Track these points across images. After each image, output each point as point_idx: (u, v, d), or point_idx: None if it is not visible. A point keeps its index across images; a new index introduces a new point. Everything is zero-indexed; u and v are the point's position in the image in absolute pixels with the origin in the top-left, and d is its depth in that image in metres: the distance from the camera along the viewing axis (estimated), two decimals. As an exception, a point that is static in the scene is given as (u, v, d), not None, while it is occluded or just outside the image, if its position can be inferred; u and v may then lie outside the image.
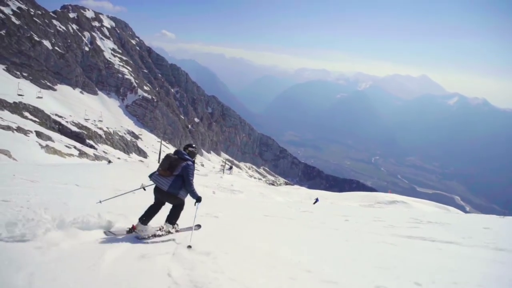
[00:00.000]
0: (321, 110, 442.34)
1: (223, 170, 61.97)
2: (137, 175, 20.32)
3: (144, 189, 5.70)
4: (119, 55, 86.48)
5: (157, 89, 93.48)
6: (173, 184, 5.00)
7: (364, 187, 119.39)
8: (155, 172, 5.16)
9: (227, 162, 73.33)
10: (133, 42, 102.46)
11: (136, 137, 68.93)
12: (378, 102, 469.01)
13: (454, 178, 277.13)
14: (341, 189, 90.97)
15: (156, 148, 70.08)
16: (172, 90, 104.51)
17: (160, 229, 5.07)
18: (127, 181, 16.34)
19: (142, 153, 62.34)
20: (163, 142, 75.38)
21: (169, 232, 5.21)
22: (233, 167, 77.84)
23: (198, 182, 28.07)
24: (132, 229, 5.07)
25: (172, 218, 5.23)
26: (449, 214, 14.07)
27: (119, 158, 44.77)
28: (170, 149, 76.68)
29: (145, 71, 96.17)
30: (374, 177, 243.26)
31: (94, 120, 58.80)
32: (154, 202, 5.26)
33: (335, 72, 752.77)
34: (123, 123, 70.60)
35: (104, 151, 46.68)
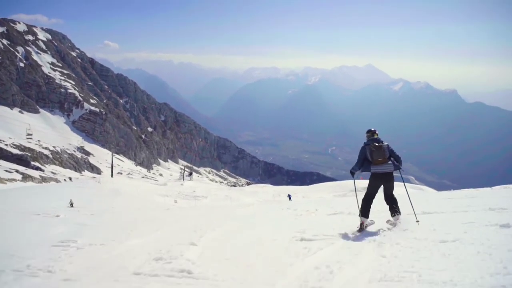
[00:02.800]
0: (274, 107, 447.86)
1: (183, 176, 60.98)
2: (79, 193, 19.33)
3: (72, 206, 6.67)
4: (59, 69, 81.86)
5: (104, 101, 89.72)
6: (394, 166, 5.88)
7: (324, 178, 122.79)
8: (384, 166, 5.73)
9: (186, 169, 72.19)
10: (74, 54, 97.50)
11: (87, 153, 65.72)
12: (328, 94, 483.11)
13: (407, 160, 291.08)
14: (302, 183, 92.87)
15: (110, 163, 67.36)
16: (121, 100, 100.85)
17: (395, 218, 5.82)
18: (56, 200, 15.61)
19: (95, 169, 59.58)
20: (116, 155, 72.59)
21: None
22: (193, 172, 76.80)
23: (158, 192, 27.38)
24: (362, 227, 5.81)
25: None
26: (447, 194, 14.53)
27: (70, 178, 42.42)
28: (125, 162, 74.06)
29: (89, 83, 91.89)
30: (332, 167, 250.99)
31: (39, 140, 55.29)
32: (372, 195, 5.94)
33: (284, 68, 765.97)
34: (71, 140, 66.87)
35: (52, 172, 44.05)
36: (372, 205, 5.99)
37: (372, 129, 6.16)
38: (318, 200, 17.84)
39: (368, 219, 5.90)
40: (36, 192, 19.52)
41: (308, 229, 6.01)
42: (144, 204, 18.07)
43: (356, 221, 6.13)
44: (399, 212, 5.78)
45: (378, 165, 5.70)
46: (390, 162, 5.77)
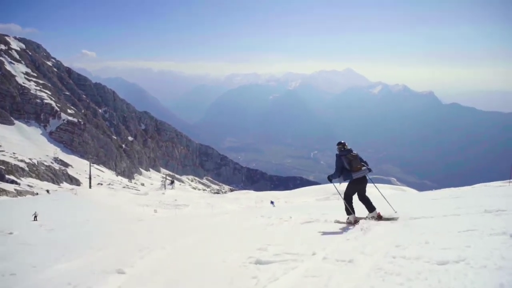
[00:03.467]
0: (256, 113, 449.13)
1: (164, 185, 60.34)
2: (53, 206, 18.78)
3: (36, 219, 6.65)
4: (34, 79, 79.89)
5: (83, 111, 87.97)
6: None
7: (308, 182, 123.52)
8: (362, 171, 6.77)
9: (167, 177, 71.37)
10: (49, 63, 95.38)
11: (66, 164, 64.13)
12: (309, 98, 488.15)
13: (388, 161, 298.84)
14: (286, 188, 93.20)
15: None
16: (100, 110, 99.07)
17: (379, 216, 6.67)
18: (21, 215, 15.14)
19: (74, 181, 58.18)
20: (96, 166, 71.23)
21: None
22: (175, 181, 75.96)
23: (138, 202, 26.95)
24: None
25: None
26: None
27: (47, 191, 41.26)
28: (105, 173, 72.64)
29: (67, 93, 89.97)
30: (315, 171, 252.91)
31: (14, 153, 53.64)
32: (351, 196, 6.96)
33: (265, 74, 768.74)
34: (48, 152, 65.17)
35: (29, 185, 42.79)
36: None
37: (342, 141, 7.15)
38: (300, 205, 17.81)
39: (355, 214, 6.89)
40: (3, 208, 18.79)
41: (272, 244, 5.40)
42: (120, 216, 17.32)
43: (332, 229, 6.29)
44: (374, 208, 6.77)
45: (357, 171, 6.69)
46: (364, 167, 6.79)
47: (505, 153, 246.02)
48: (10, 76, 73.80)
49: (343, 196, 7.13)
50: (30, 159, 54.67)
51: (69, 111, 79.16)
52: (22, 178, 45.02)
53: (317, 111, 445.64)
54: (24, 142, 63.84)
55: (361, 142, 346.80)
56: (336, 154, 6.96)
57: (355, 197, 6.98)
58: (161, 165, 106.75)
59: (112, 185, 61.57)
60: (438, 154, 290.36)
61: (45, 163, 58.02)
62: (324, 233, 6.11)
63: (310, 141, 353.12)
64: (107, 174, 72.30)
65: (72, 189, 44.70)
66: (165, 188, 56.09)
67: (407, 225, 5.50)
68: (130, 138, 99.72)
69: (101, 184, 59.57)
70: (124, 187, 62.41)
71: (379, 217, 6.63)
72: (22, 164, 49.85)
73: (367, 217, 6.77)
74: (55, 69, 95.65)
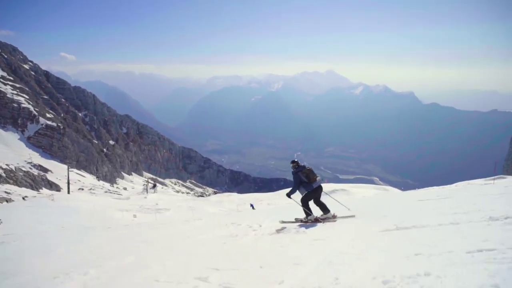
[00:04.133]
0: (238, 115, 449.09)
1: (146, 189, 59.90)
2: (28, 213, 18.45)
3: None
4: (10, 83, 77.78)
5: (62, 115, 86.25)
6: None
7: (291, 183, 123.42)
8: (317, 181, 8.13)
9: (149, 181, 70.77)
10: (26, 67, 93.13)
11: (45, 170, 62.72)
12: (292, 100, 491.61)
13: (370, 161, 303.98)
14: (270, 189, 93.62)
15: (71, 179, 64.63)
16: (80, 114, 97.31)
17: (333, 216, 8.02)
18: None
19: (54, 186, 56.94)
20: (75, 170, 70.04)
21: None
22: (157, 184, 75.37)
23: (118, 207, 26.79)
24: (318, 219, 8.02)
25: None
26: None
27: (26, 197, 40.35)
28: (86, 177, 71.41)
29: (45, 97, 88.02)
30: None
31: (-10, 159, 52.16)
32: (308, 202, 8.20)
33: (246, 76, 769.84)
34: (26, 157, 63.62)
35: (6, 191, 41.70)
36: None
37: (296, 160, 8.49)
38: (282, 207, 18.04)
39: (313, 215, 8.12)
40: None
41: (221, 269, 4.48)
42: (94, 223, 16.70)
43: (302, 243, 5.77)
44: (329, 210, 8.05)
45: (314, 182, 8.01)
46: (319, 178, 8.15)
47: (484, 152, 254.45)
48: (-15, 80, 71.75)
49: (300, 203, 8.31)
50: (7, 165, 53.20)
51: (47, 115, 77.45)
52: None
53: (299, 112, 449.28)
54: (0, 147, 62.12)
55: (343, 142, 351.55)
56: (293, 172, 8.23)
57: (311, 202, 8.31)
58: (143, 168, 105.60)
59: (93, 190, 60.60)
60: (419, 154, 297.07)
61: (23, 169, 56.59)
62: (290, 250, 5.20)
63: (293, 143, 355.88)
64: (89, 179, 71.05)
65: (52, 195, 43.85)
66: (147, 192, 55.73)
67: (392, 234, 4.68)
68: (111, 142, 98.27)
69: (83, 189, 58.56)
70: (106, 192, 61.53)
71: (334, 217, 8.00)
72: (-1, 170, 48.51)
73: (321, 216, 8.08)
74: (32, 73, 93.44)
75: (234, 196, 39.94)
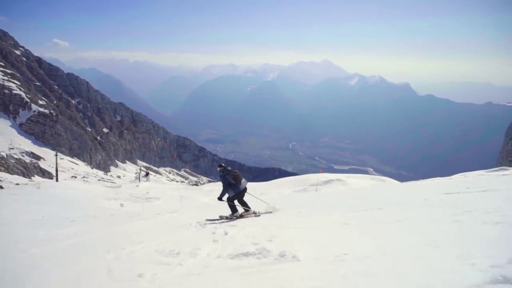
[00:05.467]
0: (234, 104, 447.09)
1: (139, 178, 59.66)
2: (10, 202, 17.94)
3: None
4: (1, 68, 76.39)
5: (55, 102, 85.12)
6: None
7: (286, 173, 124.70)
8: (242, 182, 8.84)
9: (142, 169, 70.47)
10: (18, 52, 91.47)
11: (37, 157, 62.14)
12: (287, 90, 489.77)
13: (365, 152, 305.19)
14: (265, 179, 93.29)
15: (63, 167, 64.15)
16: (73, 101, 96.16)
17: (254, 212, 8.79)
18: None
19: (46, 174, 56.50)
20: (70, 158, 69.55)
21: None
22: (149, 172, 75.08)
23: (106, 196, 26.45)
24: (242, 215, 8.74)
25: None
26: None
27: (17, 184, 39.97)
28: (80, 165, 70.94)
29: (37, 83, 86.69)
30: (294, 162, 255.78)
31: (-19, 145, 51.53)
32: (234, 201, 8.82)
33: (242, 65, 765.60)
34: (18, 145, 62.91)
35: (-3, 179, 41.26)
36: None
37: (222, 164, 9.00)
38: (272, 199, 17.63)
39: (238, 211, 8.81)
40: None
41: None
42: (79, 213, 15.57)
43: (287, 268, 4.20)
44: (249, 207, 8.83)
45: (241, 183, 8.71)
46: (243, 180, 8.85)
47: (479, 144, 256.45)
48: (-25, 65, 70.40)
49: (227, 202, 8.87)
50: (-2, 152, 52.66)
51: (40, 102, 76.42)
52: (-9, 172, 43.37)
53: (294, 102, 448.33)
54: (-8, 134, 61.35)
55: (338, 133, 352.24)
56: (221, 175, 8.79)
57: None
58: (137, 157, 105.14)
59: (87, 178, 60.24)
60: (414, 145, 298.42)
61: (15, 156, 56.05)
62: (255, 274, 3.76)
63: (288, 133, 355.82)
64: (82, 167, 70.58)
65: (37, 182, 43.42)
66: (139, 181, 55.50)
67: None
68: (105, 130, 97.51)
69: (76, 177, 58.19)
70: (99, 180, 61.21)
71: (254, 213, 8.74)
72: (-10, 157, 47.98)
73: (242, 213, 8.75)
74: (24, 59, 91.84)
75: None
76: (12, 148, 56.63)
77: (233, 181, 8.63)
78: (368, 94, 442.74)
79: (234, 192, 8.66)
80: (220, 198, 8.76)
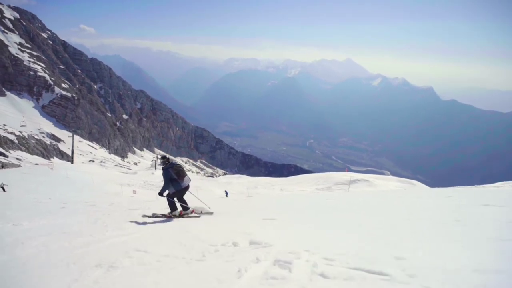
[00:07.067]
0: (253, 98, 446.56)
1: (155, 165, 59.50)
2: (18, 180, 17.24)
3: (3, 189, 5.97)
4: (28, 50, 77.59)
5: (77, 86, 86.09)
6: None
7: (302, 171, 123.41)
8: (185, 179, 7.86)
9: (158, 157, 70.32)
10: (44, 35, 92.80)
11: (58, 139, 62.87)
12: (308, 87, 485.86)
13: (383, 154, 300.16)
14: (280, 175, 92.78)
15: (82, 150, 64.75)
16: (95, 86, 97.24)
17: (192, 211, 8.10)
18: None
19: (65, 156, 57.05)
20: (88, 142, 70.19)
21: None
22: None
23: (119, 181, 25.80)
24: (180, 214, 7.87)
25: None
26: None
27: (36, 164, 40.20)
28: (98, 150, 71.53)
29: (61, 67, 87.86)
30: (310, 160, 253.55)
31: (4, 125, 52.25)
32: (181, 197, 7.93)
33: (264, 60, 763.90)
34: (40, 126, 63.77)
35: (17, 158, 41.66)
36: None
37: (166, 156, 8.06)
38: (294, 195, 16.43)
39: (178, 210, 7.93)
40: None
41: None
42: (81, 197, 14.64)
43: None
44: (189, 207, 8.03)
45: (184, 180, 7.77)
46: (186, 176, 7.91)
47: (499, 153, 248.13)
48: (2, 46, 71.45)
49: (167, 198, 7.94)
50: (20, 132, 53.37)
51: (63, 85, 77.34)
52: (11, 151, 43.81)
53: (314, 100, 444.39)
54: (15, 114, 62.29)
55: (357, 133, 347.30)
56: (163, 168, 7.77)
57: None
58: (155, 145, 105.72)
59: (104, 162, 60.57)
60: (433, 150, 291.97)
61: (36, 137, 56.77)
62: None
63: (306, 130, 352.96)
64: (100, 152, 71.16)
65: (51, 163, 43.50)
66: (155, 169, 55.28)
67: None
68: (125, 116, 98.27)
69: (93, 161, 58.55)
70: (116, 166, 61.46)
71: (192, 212, 8.09)
72: (11, 137, 48.55)
73: (180, 211, 7.91)
74: (50, 42, 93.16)
75: (243, 179, 37.91)
76: (25, 126, 57.02)
77: (175, 176, 7.67)
78: (390, 95, 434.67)
79: (174, 189, 7.72)
80: (160, 194, 7.73)
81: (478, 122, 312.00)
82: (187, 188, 7.97)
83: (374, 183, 22.37)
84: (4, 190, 14.17)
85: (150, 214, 8.12)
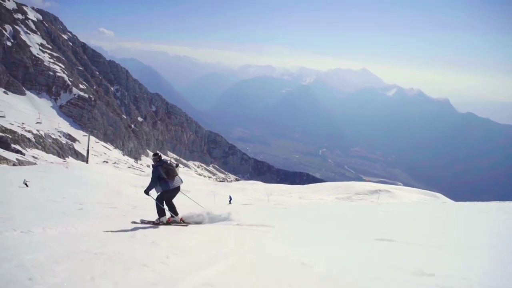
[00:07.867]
0: (267, 105, 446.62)
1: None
2: (32, 178, 17.12)
3: (27, 185, 5.47)
4: (49, 51, 79.09)
5: (94, 87, 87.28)
6: None
7: (314, 179, 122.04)
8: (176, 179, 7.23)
9: (172, 160, 70.36)
10: (65, 37, 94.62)
11: (73, 139, 63.52)
12: (322, 95, 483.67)
13: (396, 165, 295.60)
14: (292, 182, 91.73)
15: (96, 151, 65.31)
16: (112, 88, 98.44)
17: (182, 220, 7.47)
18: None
19: (80, 156, 57.51)
20: (103, 143, 70.76)
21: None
22: (180, 165, 74.98)
23: (133, 183, 25.53)
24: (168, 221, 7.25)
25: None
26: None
27: (52, 163, 40.47)
28: (112, 151, 72.06)
29: (80, 68, 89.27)
30: (322, 169, 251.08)
31: (22, 123, 53.01)
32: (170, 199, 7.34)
33: (279, 67, 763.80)
34: (57, 125, 64.60)
35: (34, 156, 42.05)
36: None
37: (158, 153, 7.63)
38: (314, 204, 15.79)
39: (166, 216, 7.28)
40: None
41: None
42: (96, 198, 14.42)
43: None
44: (177, 213, 7.33)
45: (174, 180, 7.15)
46: (177, 176, 7.30)
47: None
48: (24, 46, 73.02)
49: (155, 199, 7.32)
50: (37, 130, 54.03)
51: (81, 86, 78.46)
52: (28, 149, 44.28)
53: (328, 108, 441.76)
54: (34, 113, 63.23)
55: (370, 143, 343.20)
56: (153, 165, 7.31)
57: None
58: (168, 148, 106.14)
59: (117, 163, 60.90)
60: (448, 163, 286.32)
61: (53, 136, 57.43)
62: None
63: (319, 139, 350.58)
64: (114, 153, 71.70)
65: (66, 162, 43.68)
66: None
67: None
68: (139, 119, 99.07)
69: (107, 162, 58.90)
70: (129, 167, 61.72)
71: (182, 220, 7.43)
72: (29, 135, 49.16)
73: (170, 217, 7.28)
74: (70, 43, 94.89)
75: (259, 185, 36.96)
76: (40, 123, 57.69)
77: (164, 175, 7.03)
78: (405, 106, 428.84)
79: (162, 189, 7.09)
80: (146, 192, 7.10)
81: (494, 136, 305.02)
82: (177, 190, 7.29)
83: (397, 194, 21.45)
84: (27, 186, 14.54)
85: (139, 221, 7.52)
